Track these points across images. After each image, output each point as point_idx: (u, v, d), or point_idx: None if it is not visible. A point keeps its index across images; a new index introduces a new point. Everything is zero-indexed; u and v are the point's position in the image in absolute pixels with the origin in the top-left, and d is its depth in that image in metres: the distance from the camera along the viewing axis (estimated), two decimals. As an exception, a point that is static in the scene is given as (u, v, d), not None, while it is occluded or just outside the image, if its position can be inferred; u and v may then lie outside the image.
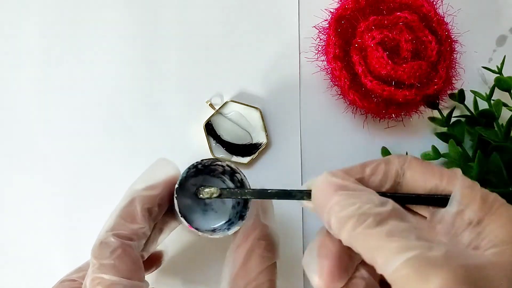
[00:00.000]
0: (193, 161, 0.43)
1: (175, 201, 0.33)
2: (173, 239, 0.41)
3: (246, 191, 0.33)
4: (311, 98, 0.45)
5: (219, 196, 0.33)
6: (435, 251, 0.22)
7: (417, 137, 0.46)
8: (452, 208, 0.25)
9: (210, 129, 0.44)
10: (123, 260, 0.31)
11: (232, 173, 0.35)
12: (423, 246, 0.22)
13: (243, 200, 0.34)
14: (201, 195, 0.34)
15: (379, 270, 0.23)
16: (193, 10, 0.46)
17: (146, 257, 0.35)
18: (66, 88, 0.44)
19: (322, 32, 0.44)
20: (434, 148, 0.43)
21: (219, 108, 0.44)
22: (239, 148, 0.44)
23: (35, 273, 0.42)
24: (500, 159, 0.39)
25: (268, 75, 0.45)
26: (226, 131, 0.44)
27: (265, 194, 0.31)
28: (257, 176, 0.44)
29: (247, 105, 0.44)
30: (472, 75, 0.47)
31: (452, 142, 0.42)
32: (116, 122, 0.44)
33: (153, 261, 0.38)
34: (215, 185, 0.35)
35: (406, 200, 0.27)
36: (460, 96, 0.44)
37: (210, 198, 0.34)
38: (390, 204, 0.25)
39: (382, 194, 0.26)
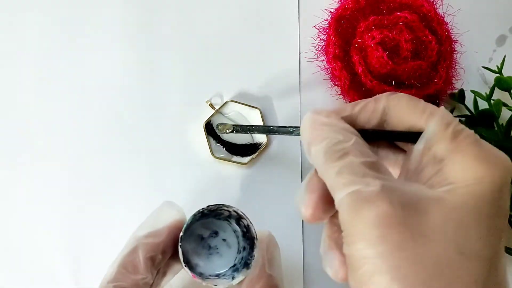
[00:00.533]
0: (193, 160, 0.43)
1: (180, 250, 0.32)
2: (177, 280, 0.39)
3: (253, 127, 0.40)
4: (311, 98, 0.45)
5: (232, 131, 0.40)
6: (371, 187, 0.22)
7: (417, 137, 0.46)
8: (419, 144, 0.25)
9: (210, 129, 0.44)
10: None
11: (238, 218, 0.35)
12: (363, 182, 0.23)
13: (249, 245, 0.34)
14: (218, 131, 0.39)
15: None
16: (193, 10, 0.46)
17: None
18: (66, 88, 0.44)
19: (322, 32, 0.44)
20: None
21: (219, 108, 0.44)
22: (239, 148, 0.44)
23: (35, 273, 0.42)
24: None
25: (268, 75, 0.45)
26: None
27: (269, 130, 0.38)
28: (257, 176, 0.44)
29: (247, 105, 0.44)
30: (472, 75, 0.47)
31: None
32: (116, 122, 0.44)
33: None
34: (221, 228, 0.36)
35: (385, 136, 0.27)
36: (460, 96, 0.45)
37: (226, 133, 0.39)
38: (353, 139, 0.25)
39: (365, 131, 0.27)
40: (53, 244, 0.42)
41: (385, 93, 0.27)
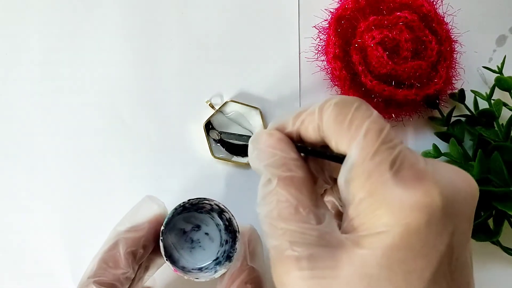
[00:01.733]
0: (193, 162, 0.43)
1: (161, 243, 0.32)
2: (161, 275, 0.40)
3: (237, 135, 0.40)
4: (311, 98, 0.45)
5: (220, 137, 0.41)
6: (285, 250, 0.23)
7: (417, 136, 0.46)
8: (340, 178, 0.24)
9: (210, 129, 0.43)
10: None
11: (220, 211, 0.35)
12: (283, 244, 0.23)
13: (231, 238, 0.34)
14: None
15: None
16: (193, 10, 0.46)
17: None
18: (66, 88, 0.44)
19: (322, 32, 0.44)
20: (435, 146, 0.43)
21: (219, 108, 0.44)
22: (239, 148, 0.44)
23: (35, 273, 0.41)
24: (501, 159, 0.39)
25: (268, 75, 0.45)
26: (226, 131, 0.44)
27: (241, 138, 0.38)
28: (257, 176, 0.44)
29: (247, 105, 0.44)
30: (472, 75, 0.47)
31: (453, 141, 0.42)
32: (116, 122, 0.44)
33: None
34: (203, 222, 0.36)
35: (321, 155, 0.26)
36: (460, 96, 0.44)
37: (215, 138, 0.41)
38: (275, 181, 0.25)
39: (301, 146, 0.26)
40: (53, 244, 0.42)
41: (320, 102, 0.25)
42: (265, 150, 0.26)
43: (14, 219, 0.42)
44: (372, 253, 0.22)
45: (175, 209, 0.33)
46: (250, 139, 0.27)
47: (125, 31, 0.45)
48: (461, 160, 0.42)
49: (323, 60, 0.44)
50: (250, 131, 0.44)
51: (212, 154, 0.43)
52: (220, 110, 0.44)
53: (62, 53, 0.44)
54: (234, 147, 0.44)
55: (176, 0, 0.46)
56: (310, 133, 0.25)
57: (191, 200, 0.33)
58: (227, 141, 0.44)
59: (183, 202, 0.33)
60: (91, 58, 0.45)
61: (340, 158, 0.24)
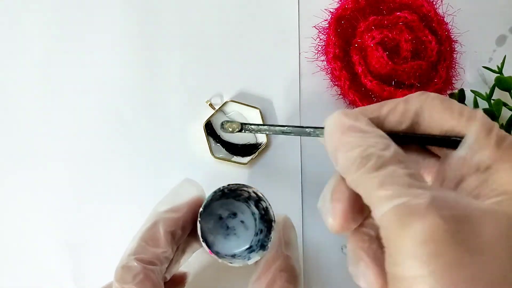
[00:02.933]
0: (193, 161, 0.43)
1: (198, 225, 0.32)
2: (195, 261, 0.40)
3: (264, 127, 0.35)
4: (311, 98, 0.45)
5: (241, 130, 0.38)
6: (420, 199, 0.21)
7: (417, 137, 0.46)
8: (460, 151, 0.24)
9: (210, 129, 0.44)
10: (145, 285, 0.30)
11: (257, 200, 0.35)
12: (411, 194, 0.21)
13: (266, 228, 0.34)
14: (223, 130, 0.37)
15: (373, 215, 0.22)
16: (193, 10, 0.46)
17: (168, 278, 0.34)
18: (66, 88, 0.44)
19: (322, 32, 0.44)
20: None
21: (219, 108, 0.44)
22: (239, 148, 0.44)
23: (35, 273, 0.42)
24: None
25: (268, 75, 0.45)
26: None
27: (281, 131, 0.33)
28: (257, 176, 0.44)
29: (247, 105, 0.44)
30: (472, 75, 0.47)
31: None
32: (116, 123, 0.44)
33: (176, 282, 0.37)
34: (239, 209, 0.36)
35: (419, 140, 0.26)
36: (460, 96, 0.44)
37: (232, 132, 0.37)
38: (392, 148, 0.23)
39: (395, 134, 0.25)
40: (53, 245, 0.42)
41: (415, 93, 0.25)
42: (366, 130, 0.24)
43: (14, 219, 0.42)
44: (498, 214, 0.21)
45: (214, 192, 0.33)
46: (326, 125, 0.26)
47: (125, 32, 0.45)
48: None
49: (323, 60, 0.44)
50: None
51: (212, 154, 0.43)
52: (220, 110, 0.44)
53: (62, 54, 0.45)
54: (234, 147, 0.44)
55: (176, 0, 0.46)
56: (399, 121, 0.25)
57: (230, 186, 0.33)
58: (227, 141, 0.44)
59: (222, 187, 0.33)
60: (91, 58, 0.45)
61: (447, 139, 0.25)
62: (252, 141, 0.44)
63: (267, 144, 0.44)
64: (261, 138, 0.44)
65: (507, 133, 0.23)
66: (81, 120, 0.44)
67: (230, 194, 0.35)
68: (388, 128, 0.25)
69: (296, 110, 0.45)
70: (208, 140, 0.43)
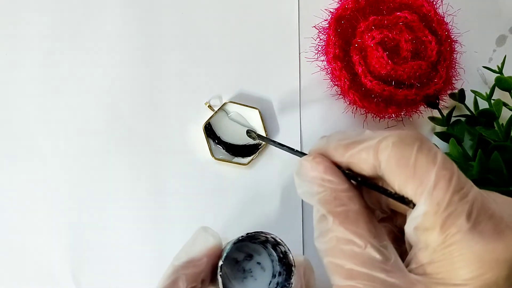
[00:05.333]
0: (193, 163, 0.43)
1: (219, 278, 0.32)
2: None
3: (269, 139, 0.37)
4: (311, 98, 0.45)
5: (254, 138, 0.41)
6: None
7: (417, 137, 0.46)
8: (408, 226, 0.24)
9: (209, 130, 0.43)
10: None
11: (275, 244, 0.34)
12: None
13: (285, 271, 0.34)
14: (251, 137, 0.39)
15: None
16: (193, 11, 0.46)
17: None
18: (66, 88, 0.44)
19: (322, 32, 0.44)
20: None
21: (218, 109, 0.44)
22: (239, 149, 0.44)
23: (35, 273, 0.41)
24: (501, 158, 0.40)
25: (268, 75, 0.45)
26: (226, 132, 0.44)
27: (278, 144, 0.33)
28: (257, 176, 0.44)
29: (246, 106, 0.44)
30: (472, 75, 0.47)
31: (453, 141, 0.42)
32: (116, 124, 0.44)
33: None
34: (255, 251, 0.35)
35: (379, 189, 0.25)
36: (460, 96, 0.44)
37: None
38: (330, 219, 0.24)
39: (351, 175, 0.25)
40: (53, 245, 0.42)
41: (374, 139, 0.24)
42: (312, 182, 0.25)
43: (14, 219, 0.42)
44: None
45: (233, 243, 0.33)
46: (295, 172, 0.26)
47: (125, 32, 0.45)
48: (461, 160, 0.42)
49: (323, 60, 0.44)
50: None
51: (212, 155, 0.43)
52: (219, 111, 0.44)
53: (62, 54, 0.44)
54: (234, 148, 0.44)
55: (176, 0, 0.46)
56: (363, 168, 0.25)
57: (248, 234, 0.33)
58: (227, 142, 0.44)
59: (241, 236, 0.33)
60: (91, 58, 0.45)
61: (402, 198, 0.24)
62: (252, 142, 0.44)
63: (267, 145, 0.44)
64: (261, 138, 0.44)
65: (462, 198, 0.22)
66: (81, 121, 0.44)
67: (247, 238, 0.35)
68: (355, 170, 0.25)
69: (296, 110, 0.45)
70: (208, 141, 0.43)
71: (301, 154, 0.29)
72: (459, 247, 0.22)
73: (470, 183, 0.23)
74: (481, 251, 0.22)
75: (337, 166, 0.26)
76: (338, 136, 0.26)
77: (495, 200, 0.24)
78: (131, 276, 0.42)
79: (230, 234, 0.41)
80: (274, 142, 0.34)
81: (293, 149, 0.31)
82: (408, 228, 0.24)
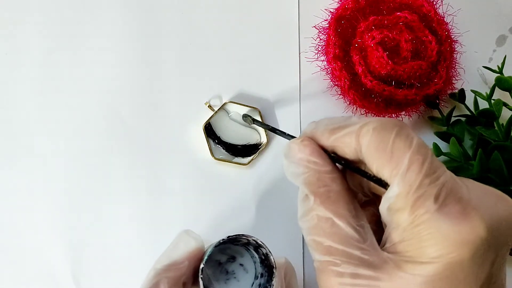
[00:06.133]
0: (193, 163, 0.43)
1: (201, 282, 0.32)
2: None
3: (263, 123, 0.39)
4: (311, 98, 0.45)
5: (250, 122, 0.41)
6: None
7: (418, 137, 0.46)
8: (382, 205, 0.25)
9: (209, 131, 0.43)
10: None
11: (256, 246, 0.35)
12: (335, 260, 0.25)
13: (267, 273, 0.35)
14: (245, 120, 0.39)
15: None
16: (193, 11, 0.46)
17: None
18: (65, 88, 0.44)
19: (322, 32, 0.44)
20: (435, 146, 0.43)
21: (218, 110, 0.44)
22: (239, 149, 0.44)
23: (35, 274, 0.41)
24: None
25: (268, 75, 0.45)
26: (226, 132, 0.44)
27: (271, 128, 0.35)
28: (257, 176, 0.44)
29: (246, 106, 0.44)
30: (472, 75, 0.47)
31: (453, 141, 0.42)
32: (116, 124, 0.44)
33: None
34: (238, 253, 0.36)
35: (361, 173, 0.26)
36: (460, 96, 0.44)
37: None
38: (312, 198, 0.26)
39: (335, 158, 0.27)
40: (53, 245, 0.42)
41: (356, 124, 0.26)
42: (298, 164, 0.27)
43: (14, 219, 0.42)
44: (413, 278, 0.23)
45: (215, 246, 0.33)
46: (284, 153, 0.28)
47: (125, 32, 0.45)
48: (461, 160, 0.42)
49: (323, 60, 0.44)
50: (249, 132, 0.44)
51: (213, 155, 0.43)
52: (219, 111, 0.44)
53: (62, 53, 0.44)
54: (234, 148, 0.44)
55: (176, 0, 0.46)
56: (346, 152, 0.26)
57: (229, 237, 0.33)
58: (227, 142, 0.44)
59: (222, 239, 0.33)
60: (91, 58, 0.45)
61: (380, 181, 0.25)
62: (252, 142, 0.44)
63: (267, 145, 0.44)
64: (262, 138, 0.44)
65: (425, 192, 0.23)
66: (81, 121, 0.44)
67: (228, 241, 0.35)
68: (339, 154, 0.27)
69: (296, 110, 0.45)
70: (208, 141, 0.43)
71: (290, 137, 0.30)
72: (426, 227, 0.23)
73: (443, 168, 0.25)
74: (448, 231, 0.23)
75: (323, 149, 0.27)
76: (325, 121, 0.28)
77: (468, 186, 0.25)
78: (131, 276, 0.42)
79: (230, 234, 0.41)
80: (267, 126, 0.36)
81: (284, 133, 0.32)
82: (382, 208, 0.25)
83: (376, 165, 0.25)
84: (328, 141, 0.27)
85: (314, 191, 0.26)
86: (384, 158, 0.24)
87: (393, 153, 0.24)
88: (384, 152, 0.24)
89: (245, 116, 0.43)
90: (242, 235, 0.34)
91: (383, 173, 0.25)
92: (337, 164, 0.27)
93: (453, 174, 0.25)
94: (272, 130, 0.34)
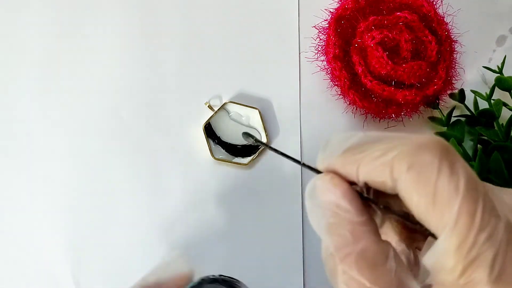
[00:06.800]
0: (193, 163, 0.43)
1: None
2: None
3: (269, 146, 0.34)
4: (311, 98, 0.45)
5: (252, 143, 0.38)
6: None
7: (417, 137, 0.46)
8: (427, 260, 0.21)
9: (209, 131, 0.43)
10: None
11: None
12: None
13: None
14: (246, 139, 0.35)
15: None
16: (193, 11, 0.46)
17: None
18: (65, 88, 0.44)
19: (322, 32, 0.44)
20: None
21: (218, 109, 0.44)
22: (239, 149, 0.44)
23: (35, 274, 0.41)
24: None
25: (267, 75, 0.45)
26: (226, 132, 0.44)
27: (280, 153, 0.30)
28: (257, 176, 0.44)
29: (246, 106, 0.44)
30: (472, 75, 0.47)
31: (453, 141, 0.42)
32: (116, 124, 0.44)
33: None
34: None
35: (393, 212, 0.23)
36: (460, 96, 0.44)
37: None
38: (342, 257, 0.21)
39: (369, 199, 0.22)
40: (53, 245, 0.42)
41: (387, 155, 0.21)
42: (325, 208, 0.22)
43: (14, 219, 0.42)
44: None
45: (202, 279, 0.32)
46: (307, 191, 0.23)
47: (125, 32, 0.45)
48: (461, 160, 0.42)
49: (323, 60, 0.44)
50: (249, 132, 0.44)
51: (212, 155, 0.43)
52: (219, 111, 0.44)
53: (62, 53, 0.44)
54: (234, 148, 0.44)
55: (176, 0, 0.46)
56: (376, 186, 0.22)
57: (222, 276, 0.33)
58: (227, 142, 0.44)
59: (213, 276, 0.32)
60: (91, 58, 0.45)
61: (423, 229, 0.21)
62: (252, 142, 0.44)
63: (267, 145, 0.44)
64: (262, 139, 0.44)
65: (485, 248, 0.19)
66: (81, 121, 0.44)
67: (224, 284, 0.34)
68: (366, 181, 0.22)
69: (296, 110, 0.45)
70: (208, 141, 0.43)
71: (310, 168, 0.25)
72: None
73: (496, 212, 0.20)
74: None
75: (350, 183, 0.22)
76: (343, 144, 0.23)
77: None
78: (131, 276, 0.42)
79: (231, 234, 0.41)
80: (276, 150, 0.31)
81: (298, 161, 0.27)
82: (427, 261, 0.21)
83: (417, 210, 0.21)
84: (359, 177, 0.22)
85: (344, 251, 0.21)
86: (427, 201, 0.20)
87: (437, 200, 0.20)
88: (427, 197, 0.20)
89: (246, 135, 0.39)
90: (237, 281, 0.33)
91: (427, 222, 0.20)
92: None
93: (504, 214, 0.20)
94: (281, 154, 0.30)
